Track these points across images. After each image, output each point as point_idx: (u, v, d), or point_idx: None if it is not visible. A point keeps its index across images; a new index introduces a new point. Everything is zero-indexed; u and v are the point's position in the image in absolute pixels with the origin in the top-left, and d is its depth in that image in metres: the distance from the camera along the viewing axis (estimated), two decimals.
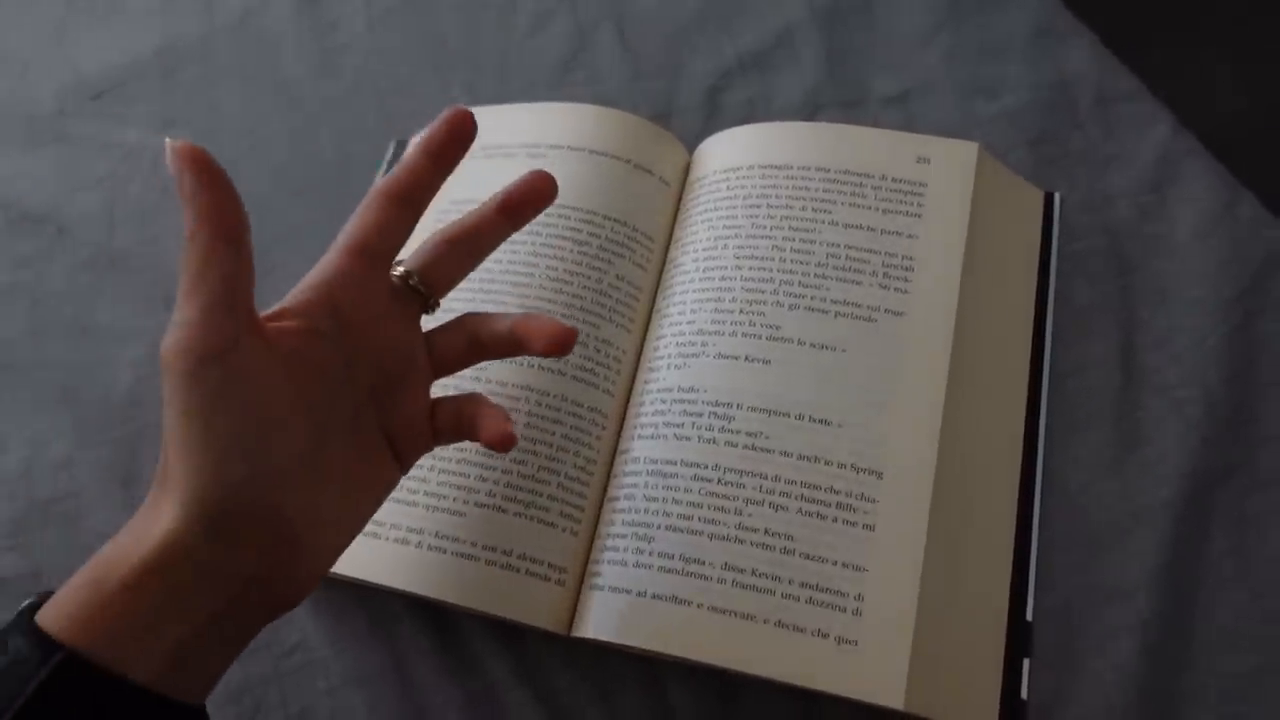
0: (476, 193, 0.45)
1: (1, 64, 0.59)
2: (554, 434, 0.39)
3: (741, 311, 0.40)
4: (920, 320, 0.39)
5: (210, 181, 0.27)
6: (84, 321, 0.49)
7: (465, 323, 0.34)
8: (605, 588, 0.36)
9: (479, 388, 0.39)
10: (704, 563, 0.35)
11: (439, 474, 0.38)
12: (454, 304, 0.42)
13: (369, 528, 0.38)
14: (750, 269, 0.41)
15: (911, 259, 0.40)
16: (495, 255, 0.42)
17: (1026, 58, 0.51)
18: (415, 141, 0.34)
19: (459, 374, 0.39)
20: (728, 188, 0.43)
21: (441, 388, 0.38)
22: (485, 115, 0.48)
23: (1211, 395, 0.41)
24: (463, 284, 0.42)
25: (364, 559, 0.37)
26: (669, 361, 0.40)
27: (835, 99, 0.51)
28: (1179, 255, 0.45)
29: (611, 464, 0.39)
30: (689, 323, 0.40)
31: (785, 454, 0.36)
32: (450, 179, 0.45)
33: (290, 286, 0.48)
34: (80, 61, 0.58)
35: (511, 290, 0.41)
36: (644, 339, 0.42)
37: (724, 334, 0.39)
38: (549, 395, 0.39)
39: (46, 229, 0.52)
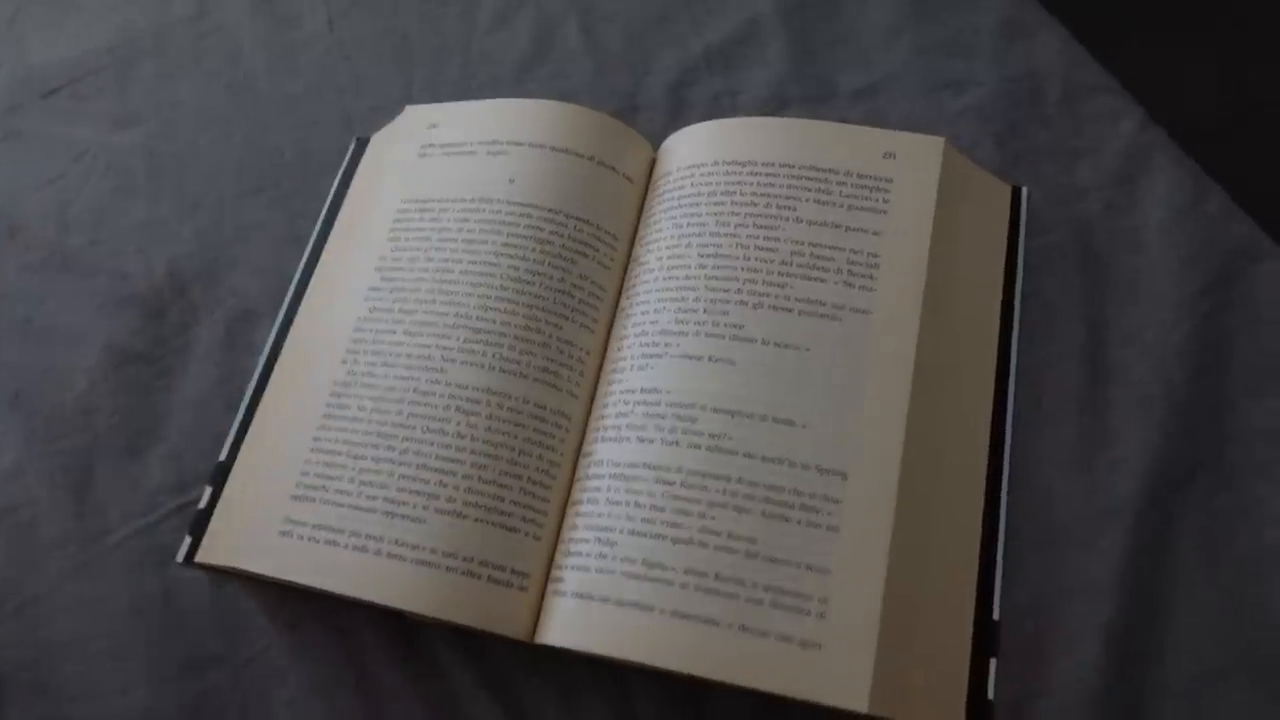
0: (435, 191, 0.44)
1: None
2: (516, 437, 0.38)
3: (705, 311, 0.39)
4: (885, 318, 0.38)
5: None
6: (36, 324, 0.47)
7: None
8: (568, 594, 0.35)
9: (437, 390, 0.39)
10: (666, 567, 0.35)
11: (398, 479, 0.37)
12: (413, 304, 0.41)
13: (326, 535, 0.37)
14: (714, 267, 0.40)
15: (877, 256, 0.40)
16: (455, 255, 0.42)
17: (994, 52, 0.51)
18: None
19: (426, 367, 0.38)
20: (692, 184, 0.43)
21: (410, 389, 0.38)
22: (444, 112, 0.47)
23: (1177, 390, 0.41)
24: (422, 286, 0.41)
25: (322, 567, 0.36)
26: (632, 362, 0.39)
27: (802, 94, 0.51)
28: (1146, 249, 0.45)
29: (575, 467, 0.39)
30: (652, 322, 0.40)
31: (749, 455, 0.36)
32: (409, 178, 0.45)
33: (249, 284, 0.48)
34: (32, 56, 0.57)
35: (472, 291, 0.41)
36: (608, 339, 0.42)
37: (687, 334, 0.39)
38: (510, 398, 0.39)
39: None
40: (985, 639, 0.35)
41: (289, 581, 0.37)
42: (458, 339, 0.40)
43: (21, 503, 0.43)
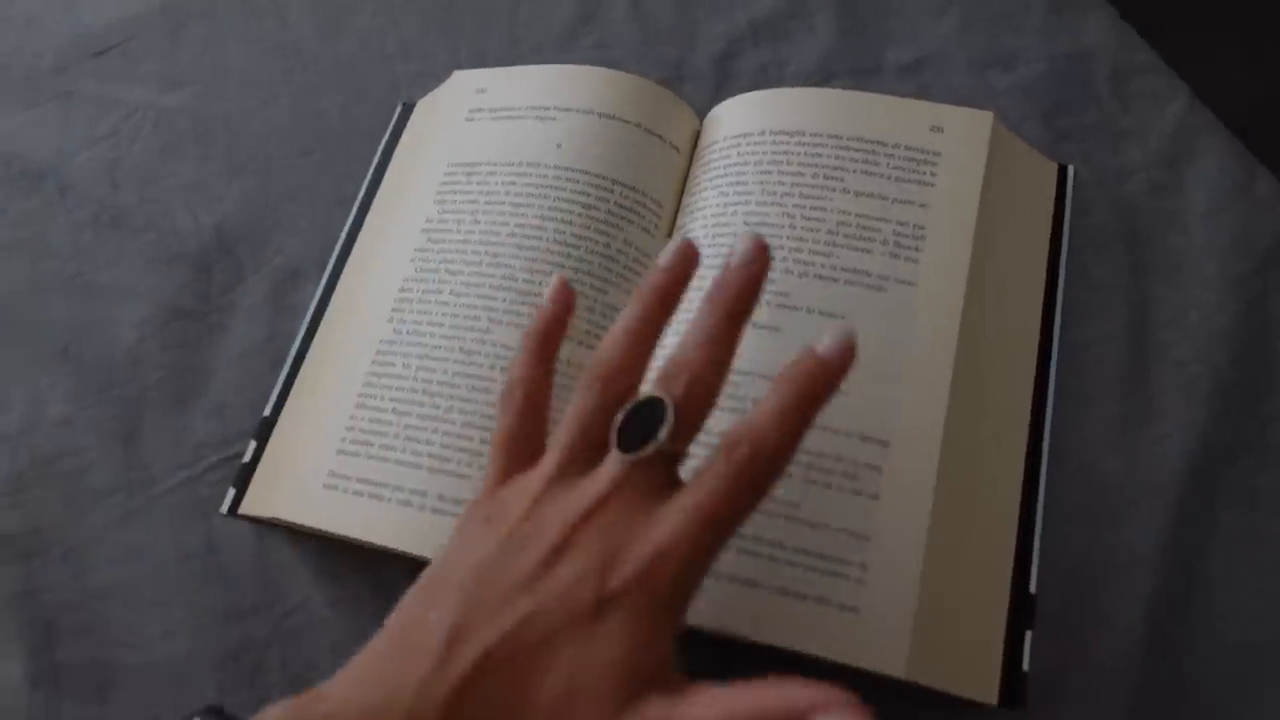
0: (483, 155, 0.44)
1: (3, 19, 0.58)
2: (559, 398, 0.38)
3: None
4: (930, 290, 0.38)
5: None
6: (86, 279, 0.48)
7: None
8: None
9: (482, 349, 0.39)
10: None
11: (442, 435, 0.38)
12: (459, 266, 0.41)
13: (371, 489, 0.37)
14: None
15: (923, 228, 0.40)
16: (501, 218, 0.42)
17: (1043, 29, 0.50)
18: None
19: (471, 327, 0.38)
20: (738, 154, 0.43)
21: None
22: (493, 77, 0.47)
23: (1221, 372, 0.41)
24: (468, 248, 0.42)
25: (366, 520, 0.37)
26: (676, 329, 0.40)
27: (848, 67, 0.51)
28: (1192, 231, 0.44)
29: None
30: (697, 290, 0.40)
31: None
32: (457, 141, 0.45)
33: (295, 244, 0.48)
34: (83, 17, 0.57)
35: (518, 254, 0.41)
36: None
37: None
38: (556, 361, 0.39)
39: (48, 186, 0.51)
40: (1022, 611, 0.35)
41: (332, 534, 0.38)
42: (503, 300, 0.40)
43: (70, 451, 0.44)
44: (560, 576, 0.26)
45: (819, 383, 0.28)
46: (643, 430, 0.28)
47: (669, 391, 0.28)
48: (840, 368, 0.28)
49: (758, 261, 0.30)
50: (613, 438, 0.29)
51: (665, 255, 0.32)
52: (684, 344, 0.29)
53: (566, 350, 0.39)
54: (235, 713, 0.32)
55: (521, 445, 0.32)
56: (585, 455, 0.29)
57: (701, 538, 0.26)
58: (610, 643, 0.26)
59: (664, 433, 0.28)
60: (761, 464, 0.27)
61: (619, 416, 0.29)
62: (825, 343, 0.28)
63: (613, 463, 0.28)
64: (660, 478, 0.28)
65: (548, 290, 0.34)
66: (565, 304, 0.34)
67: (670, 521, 0.27)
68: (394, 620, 0.28)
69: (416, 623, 0.27)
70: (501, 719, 0.25)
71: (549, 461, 0.30)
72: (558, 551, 0.27)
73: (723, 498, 0.27)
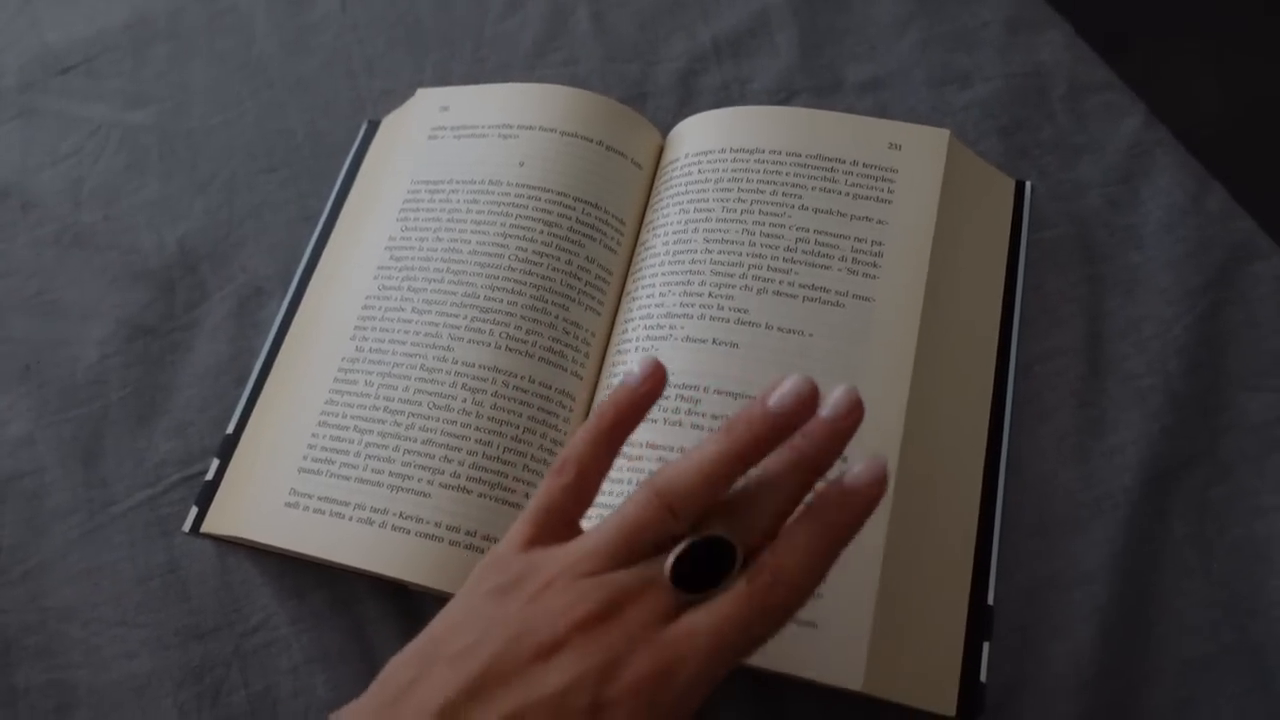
0: (446, 173, 0.44)
1: None
2: (521, 415, 0.39)
3: (710, 295, 0.40)
4: (888, 306, 0.39)
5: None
6: (48, 298, 0.48)
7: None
8: None
9: (444, 367, 0.39)
10: None
11: (404, 454, 0.38)
12: (422, 283, 0.41)
13: (332, 507, 0.37)
14: (720, 253, 0.40)
15: (881, 244, 0.40)
16: (464, 235, 0.42)
17: (1000, 47, 0.51)
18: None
19: (433, 344, 0.38)
20: (699, 171, 0.43)
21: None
22: (456, 95, 0.47)
23: (1175, 384, 0.42)
24: (431, 265, 0.42)
25: (328, 538, 0.37)
26: (637, 344, 0.40)
27: (809, 85, 0.51)
28: (1147, 245, 0.45)
29: None
30: (658, 306, 0.40)
31: None
32: (420, 159, 0.45)
33: (259, 261, 0.48)
34: (47, 34, 0.57)
35: (480, 271, 0.41)
36: (613, 322, 0.42)
37: (692, 317, 0.39)
38: (516, 376, 0.39)
39: (10, 204, 0.51)
40: (979, 623, 0.36)
41: (294, 552, 0.38)
42: (465, 318, 0.40)
43: (30, 471, 0.43)
44: (560, 671, 0.25)
45: (849, 517, 0.27)
46: (703, 568, 0.27)
47: (734, 533, 0.27)
48: (872, 500, 0.27)
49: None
50: (667, 567, 0.27)
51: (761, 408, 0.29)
52: (760, 496, 0.28)
53: (528, 367, 0.39)
54: None
55: (557, 520, 0.29)
56: (624, 563, 0.27)
57: (710, 661, 0.25)
58: None
59: (729, 580, 0.26)
60: (781, 596, 0.26)
61: (680, 548, 0.27)
62: (857, 471, 0.27)
63: (650, 582, 0.27)
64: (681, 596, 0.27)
65: (639, 367, 0.30)
66: (656, 388, 0.30)
67: (682, 640, 0.25)
68: (382, 687, 0.27)
69: (405, 693, 0.26)
70: None
71: (583, 555, 0.27)
72: (560, 646, 0.25)
73: (738, 625, 0.25)
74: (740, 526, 0.27)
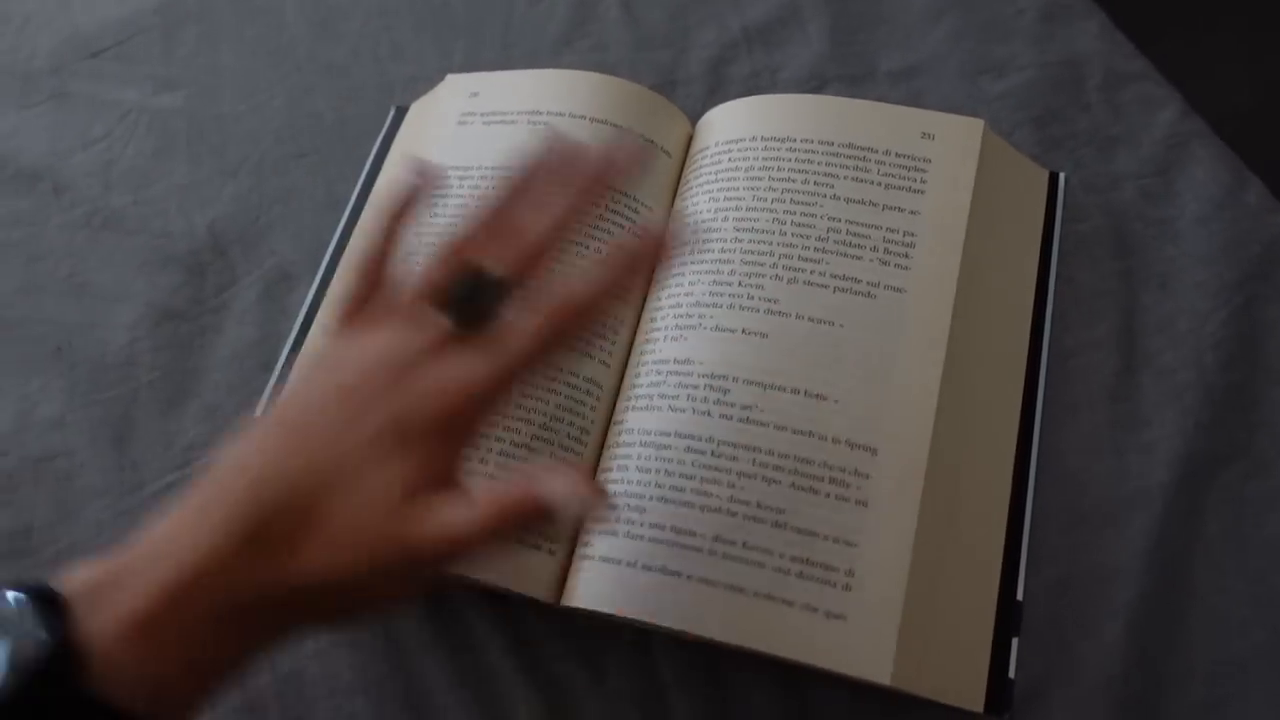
0: (475, 159, 0.44)
1: None
2: (548, 403, 0.39)
3: (740, 284, 0.39)
4: (920, 297, 0.39)
5: None
6: (78, 281, 0.48)
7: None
8: (596, 558, 0.36)
9: None
10: (695, 534, 0.35)
11: None
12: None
13: None
14: (750, 241, 0.40)
15: (913, 235, 0.40)
16: None
17: (1035, 37, 0.51)
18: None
19: None
20: (730, 159, 0.43)
21: None
22: (485, 81, 0.47)
23: (1210, 379, 0.41)
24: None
25: None
26: (666, 333, 0.40)
27: (841, 73, 0.51)
28: (1183, 239, 0.44)
29: (605, 435, 0.39)
30: (687, 295, 0.40)
31: (779, 428, 0.36)
32: (449, 145, 0.45)
33: (287, 246, 0.48)
34: (78, 18, 0.57)
35: None
36: (642, 310, 0.42)
37: (721, 306, 0.39)
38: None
39: (42, 187, 0.51)
40: (1008, 618, 0.36)
41: None
42: None
43: (61, 452, 0.44)
44: (373, 419, 0.28)
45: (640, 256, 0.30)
46: (475, 301, 0.29)
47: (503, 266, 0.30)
48: (646, 256, 0.30)
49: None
50: (442, 306, 0.29)
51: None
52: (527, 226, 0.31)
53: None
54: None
55: (355, 307, 0.32)
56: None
57: (503, 385, 0.29)
58: (405, 464, 0.27)
59: (498, 310, 0.29)
60: (572, 316, 0.29)
61: (456, 287, 0.29)
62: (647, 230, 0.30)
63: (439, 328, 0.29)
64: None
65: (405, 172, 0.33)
66: (425, 185, 0.33)
67: (479, 366, 0.28)
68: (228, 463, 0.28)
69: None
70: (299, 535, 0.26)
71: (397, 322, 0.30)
72: (378, 397, 0.28)
73: (528, 356, 0.29)
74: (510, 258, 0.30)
